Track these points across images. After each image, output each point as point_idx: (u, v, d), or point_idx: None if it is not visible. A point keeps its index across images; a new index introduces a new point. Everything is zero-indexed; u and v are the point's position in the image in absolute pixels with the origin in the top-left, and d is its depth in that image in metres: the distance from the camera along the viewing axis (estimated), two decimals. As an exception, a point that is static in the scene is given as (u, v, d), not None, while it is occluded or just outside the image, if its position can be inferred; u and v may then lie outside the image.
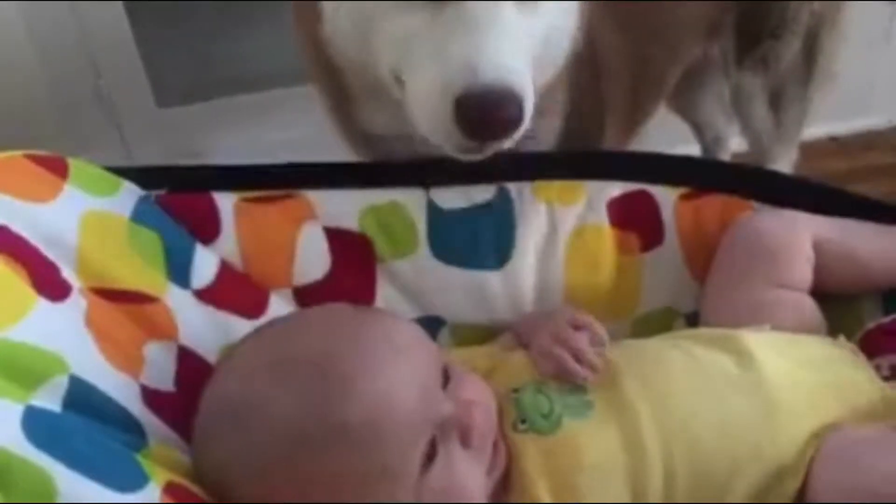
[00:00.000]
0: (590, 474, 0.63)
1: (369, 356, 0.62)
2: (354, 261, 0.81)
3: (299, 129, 1.41)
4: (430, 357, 0.65)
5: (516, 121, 0.63)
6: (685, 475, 0.62)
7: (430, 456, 0.61)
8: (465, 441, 0.63)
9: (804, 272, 0.75)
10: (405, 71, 0.68)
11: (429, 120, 0.65)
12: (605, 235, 0.82)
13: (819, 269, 0.76)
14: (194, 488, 0.63)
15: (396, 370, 0.62)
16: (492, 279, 0.81)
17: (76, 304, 0.66)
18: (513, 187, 0.83)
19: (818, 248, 0.76)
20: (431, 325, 0.80)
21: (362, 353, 0.63)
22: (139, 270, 0.72)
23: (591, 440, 0.64)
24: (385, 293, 0.81)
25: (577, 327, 0.68)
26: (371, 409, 0.60)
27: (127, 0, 1.28)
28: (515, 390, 0.68)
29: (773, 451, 0.62)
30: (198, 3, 1.37)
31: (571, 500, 0.62)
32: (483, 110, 0.61)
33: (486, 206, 0.82)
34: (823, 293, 0.76)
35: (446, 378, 0.65)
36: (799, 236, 0.76)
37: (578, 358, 0.66)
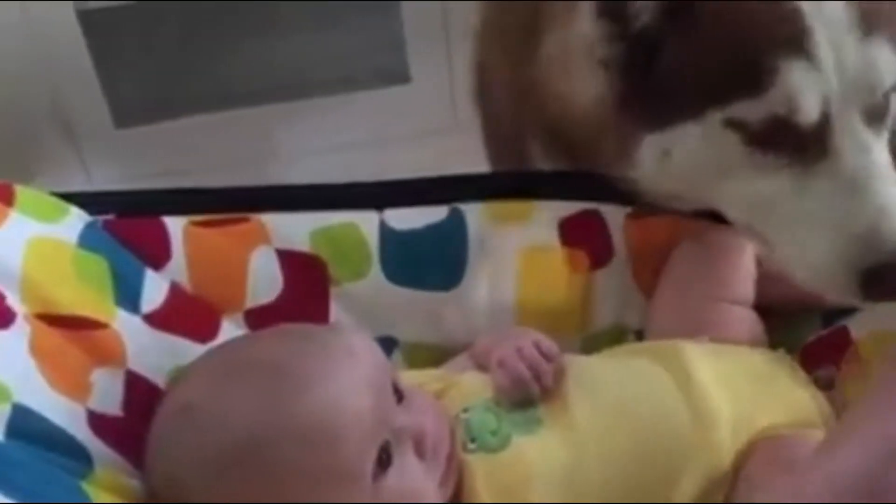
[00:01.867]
0: (538, 489, 0.63)
1: (322, 360, 0.64)
2: (307, 283, 0.81)
3: (261, 149, 1.42)
4: (383, 367, 0.67)
5: None
6: (626, 484, 0.63)
7: (384, 463, 0.62)
8: (420, 450, 0.64)
9: (747, 288, 0.77)
10: (768, 229, 0.66)
11: (824, 282, 0.64)
12: (556, 254, 0.83)
13: (762, 285, 0.77)
14: (141, 513, 0.63)
15: (350, 373, 0.63)
16: (444, 300, 0.82)
17: (20, 331, 0.66)
18: (465, 208, 0.83)
19: (762, 264, 0.78)
20: (384, 345, 0.80)
21: (315, 357, 0.64)
22: (86, 296, 0.71)
23: (540, 455, 0.64)
24: (338, 315, 0.82)
25: (542, 353, 0.69)
26: (324, 410, 0.61)
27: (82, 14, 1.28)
28: (465, 410, 0.68)
29: (709, 457, 0.63)
30: (156, 21, 1.36)
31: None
32: (893, 281, 0.60)
33: (438, 227, 0.83)
34: (766, 308, 0.78)
35: (399, 395, 0.66)
36: (742, 253, 0.78)
37: (536, 376, 0.68)
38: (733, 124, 0.60)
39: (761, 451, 0.63)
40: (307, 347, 0.65)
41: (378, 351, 0.69)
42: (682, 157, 0.65)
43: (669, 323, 0.76)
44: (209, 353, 0.71)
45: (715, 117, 0.61)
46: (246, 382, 0.63)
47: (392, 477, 0.62)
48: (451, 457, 0.65)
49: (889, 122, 0.60)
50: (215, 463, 0.61)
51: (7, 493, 0.55)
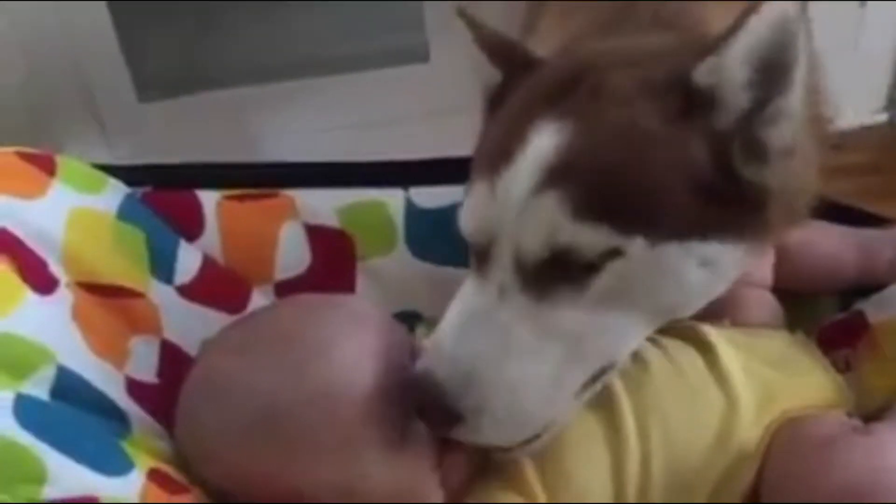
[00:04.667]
0: (573, 450, 0.64)
1: (338, 329, 0.66)
2: (334, 257, 0.83)
3: (282, 124, 1.43)
4: (399, 334, 0.69)
5: (444, 417, 0.58)
6: (660, 459, 0.64)
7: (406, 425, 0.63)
8: None
9: (765, 270, 0.78)
10: None
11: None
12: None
13: (780, 267, 0.78)
14: (176, 474, 0.65)
15: (366, 341, 0.65)
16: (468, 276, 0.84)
17: (63, 297, 0.68)
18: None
19: (780, 246, 0.79)
20: (408, 320, 0.82)
21: (332, 326, 0.66)
22: (124, 266, 0.74)
23: (574, 421, 0.65)
24: (364, 289, 0.84)
25: None
26: (346, 372, 0.63)
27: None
28: None
29: (735, 439, 0.65)
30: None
31: (557, 474, 0.64)
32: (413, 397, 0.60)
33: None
34: (784, 290, 0.79)
35: (416, 354, 0.67)
36: None
37: None
38: None
39: (785, 432, 0.64)
40: (323, 318, 0.68)
41: (392, 321, 0.71)
42: None
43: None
44: (231, 327, 0.73)
45: None
46: (259, 355, 0.65)
47: (413, 439, 0.63)
48: None
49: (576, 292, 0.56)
50: (238, 433, 0.64)
51: (59, 448, 0.58)
